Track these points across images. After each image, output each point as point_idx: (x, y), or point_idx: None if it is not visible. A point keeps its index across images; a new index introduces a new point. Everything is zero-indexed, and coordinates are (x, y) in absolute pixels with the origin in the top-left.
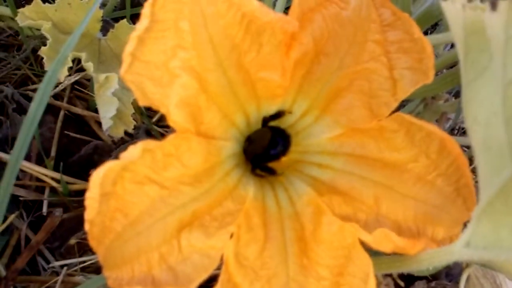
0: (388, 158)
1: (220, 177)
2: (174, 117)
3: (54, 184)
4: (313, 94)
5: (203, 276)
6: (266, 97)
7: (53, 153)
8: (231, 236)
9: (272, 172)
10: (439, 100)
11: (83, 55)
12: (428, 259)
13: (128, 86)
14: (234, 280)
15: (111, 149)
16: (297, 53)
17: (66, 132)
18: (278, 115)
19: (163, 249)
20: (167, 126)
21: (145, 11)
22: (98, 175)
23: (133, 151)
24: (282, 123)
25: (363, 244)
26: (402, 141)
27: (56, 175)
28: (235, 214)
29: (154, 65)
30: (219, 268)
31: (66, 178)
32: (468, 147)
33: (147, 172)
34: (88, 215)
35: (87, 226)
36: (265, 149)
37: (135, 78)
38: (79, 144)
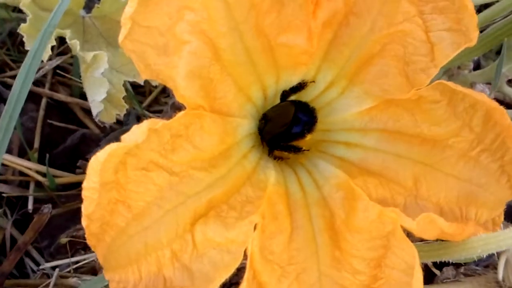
0: (426, 133)
1: (237, 160)
2: (183, 92)
3: (39, 178)
4: (340, 62)
5: (224, 275)
6: (287, 66)
7: (36, 144)
8: (255, 228)
9: (296, 150)
10: (464, 70)
11: (67, 33)
12: (482, 245)
13: (128, 55)
14: (260, 278)
15: (99, 138)
16: (325, 12)
17: (49, 121)
18: (299, 87)
19: (175, 245)
20: (160, 111)
21: None
22: (97, 161)
23: (137, 132)
24: (303, 97)
25: None
26: (443, 112)
27: (41, 168)
28: (255, 202)
29: (157, 30)
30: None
31: (52, 171)
32: None
33: (153, 156)
34: (86, 209)
35: (84, 222)
36: (287, 126)
37: (136, 46)
38: (64, 134)
